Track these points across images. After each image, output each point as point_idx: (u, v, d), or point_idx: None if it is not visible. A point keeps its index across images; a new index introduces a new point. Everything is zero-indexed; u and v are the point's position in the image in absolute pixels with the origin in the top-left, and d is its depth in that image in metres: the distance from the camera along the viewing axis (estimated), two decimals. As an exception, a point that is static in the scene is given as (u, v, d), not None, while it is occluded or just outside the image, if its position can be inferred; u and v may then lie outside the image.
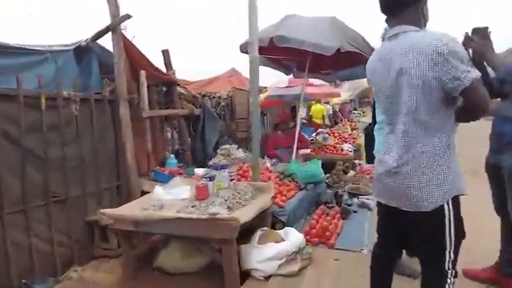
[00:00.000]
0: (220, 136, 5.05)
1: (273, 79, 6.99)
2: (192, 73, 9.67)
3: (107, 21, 3.38)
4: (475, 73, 1.32)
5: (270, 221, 2.83)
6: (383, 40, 1.63)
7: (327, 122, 11.38)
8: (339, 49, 3.54)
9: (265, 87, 7.04)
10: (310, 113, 11.18)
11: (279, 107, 7.26)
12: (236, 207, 2.42)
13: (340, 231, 2.99)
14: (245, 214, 2.33)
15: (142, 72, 3.83)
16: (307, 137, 6.83)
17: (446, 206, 1.41)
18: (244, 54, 4.62)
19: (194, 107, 4.67)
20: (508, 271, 2.30)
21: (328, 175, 4.65)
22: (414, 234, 1.55)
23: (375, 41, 3.61)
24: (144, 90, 3.83)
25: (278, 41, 3.68)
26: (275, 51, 4.56)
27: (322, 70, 5.11)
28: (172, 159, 4.07)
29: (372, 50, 4.10)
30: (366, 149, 2.85)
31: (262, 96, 6.23)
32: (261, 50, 4.44)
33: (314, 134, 7.07)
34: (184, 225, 2.24)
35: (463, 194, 1.46)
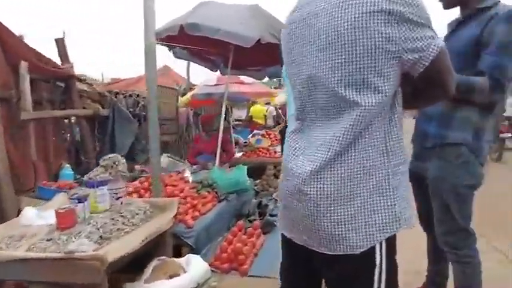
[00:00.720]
0: (137, 140, 4.41)
1: (204, 76, 6.49)
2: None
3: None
4: (440, 41, 0.92)
5: (171, 245, 2.31)
6: None
7: (270, 122, 11.13)
8: (259, 41, 3.12)
9: (196, 85, 6.51)
10: (250, 113, 10.84)
11: (213, 106, 6.74)
12: (115, 236, 1.86)
13: (259, 251, 2.56)
14: (125, 246, 1.78)
15: (23, 64, 3.09)
16: (242, 140, 6.40)
17: (378, 248, 0.95)
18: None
19: (100, 107, 3.99)
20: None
21: (258, 181, 4.26)
22: (328, 285, 1.09)
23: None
24: (26, 85, 3.09)
25: (189, 29, 3.17)
26: (196, 42, 4.05)
27: (251, 66, 4.69)
28: (67, 170, 3.36)
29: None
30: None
31: (189, 94, 5.68)
32: (179, 40, 3.93)
33: (250, 135, 6.67)
34: (34, 267, 1.64)
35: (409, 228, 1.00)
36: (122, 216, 2.01)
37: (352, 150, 0.92)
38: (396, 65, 0.91)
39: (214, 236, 2.75)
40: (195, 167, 3.95)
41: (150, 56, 2.41)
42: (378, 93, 0.91)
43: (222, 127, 3.91)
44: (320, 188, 0.94)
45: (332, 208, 0.93)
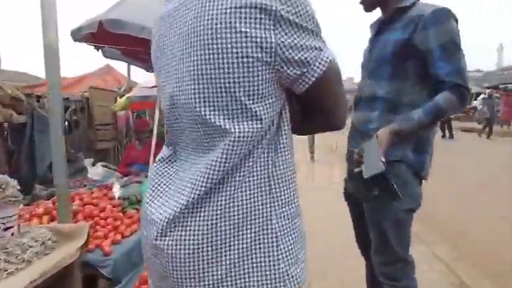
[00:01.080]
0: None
1: (144, 77, 6.07)
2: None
3: None
4: (330, 53, 0.71)
5: (79, 279, 1.98)
6: None
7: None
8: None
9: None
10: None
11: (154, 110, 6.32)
12: (-7, 280, 1.51)
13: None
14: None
15: None
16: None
17: None
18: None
19: (14, 113, 3.48)
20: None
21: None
22: None
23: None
24: None
25: (109, 25, 2.82)
26: (128, 41, 3.67)
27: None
28: (-34, 189, 2.85)
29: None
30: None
31: (125, 96, 5.25)
32: (109, 38, 3.54)
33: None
34: None
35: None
36: (6, 252, 1.66)
37: (225, 189, 0.70)
38: (273, 80, 0.70)
39: (138, 262, 2.43)
40: (125, 178, 3.58)
41: (51, 57, 2.04)
42: (253, 117, 0.69)
43: (155, 131, 3.59)
44: (181, 240, 0.70)
45: (196, 267, 0.70)
